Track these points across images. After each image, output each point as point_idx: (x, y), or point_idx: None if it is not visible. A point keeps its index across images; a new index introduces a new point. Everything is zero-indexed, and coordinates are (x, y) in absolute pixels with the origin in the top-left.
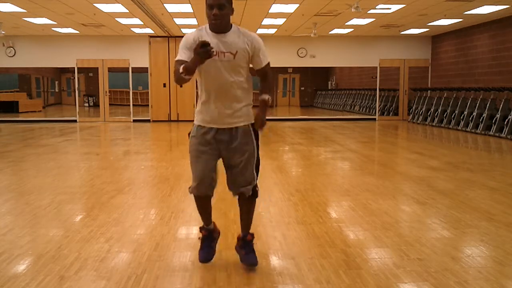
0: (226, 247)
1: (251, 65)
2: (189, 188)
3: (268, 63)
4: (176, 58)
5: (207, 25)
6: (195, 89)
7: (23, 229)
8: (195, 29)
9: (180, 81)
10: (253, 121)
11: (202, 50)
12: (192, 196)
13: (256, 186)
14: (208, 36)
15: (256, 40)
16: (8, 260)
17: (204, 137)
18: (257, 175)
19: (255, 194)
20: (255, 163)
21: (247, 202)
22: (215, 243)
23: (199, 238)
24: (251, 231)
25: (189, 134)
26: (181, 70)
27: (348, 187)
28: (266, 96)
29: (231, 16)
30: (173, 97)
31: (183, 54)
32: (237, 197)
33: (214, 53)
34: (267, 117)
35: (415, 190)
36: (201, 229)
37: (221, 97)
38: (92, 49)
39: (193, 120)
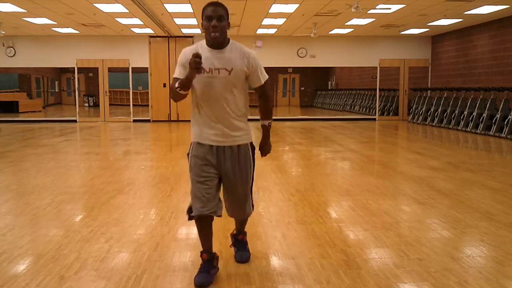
0: (226, 247)
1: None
2: (188, 211)
3: (266, 81)
4: (173, 76)
5: (203, 41)
6: None
7: (23, 229)
8: (192, 45)
9: (176, 97)
10: (251, 140)
11: (193, 60)
12: (189, 219)
13: (252, 205)
14: (204, 52)
15: (253, 57)
16: (8, 260)
17: (203, 154)
18: (252, 197)
19: (248, 217)
20: (251, 184)
21: (241, 220)
22: (215, 270)
23: (200, 265)
24: (245, 229)
25: (188, 154)
26: (177, 85)
27: (348, 187)
28: (266, 122)
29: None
30: None
31: (179, 72)
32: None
33: (202, 70)
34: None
35: (415, 190)
36: (202, 253)
37: (217, 114)
38: (92, 49)
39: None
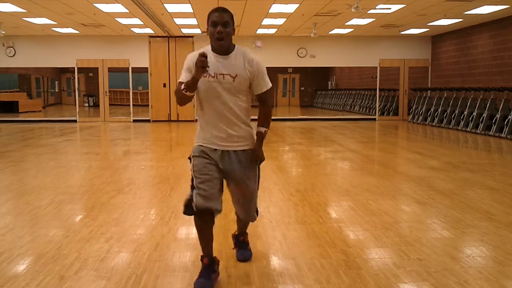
0: (226, 247)
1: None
2: (186, 202)
3: (269, 89)
4: (179, 80)
5: (209, 47)
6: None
7: (23, 229)
8: (198, 50)
9: (182, 99)
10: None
11: (199, 59)
12: (188, 215)
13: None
14: (209, 57)
15: (257, 64)
16: (8, 260)
17: (207, 154)
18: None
19: (254, 220)
20: (257, 188)
21: (246, 221)
22: (216, 275)
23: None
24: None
25: (189, 157)
26: (182, 86)
27: (348, 187)
28: (263, 129)
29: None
30: (173, 97)
31: (184, 77)
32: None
33: (208, 69)
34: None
35: (415, 190)
36: (202, 257)
37: (221, 120)
38: (92, 49)
39: (193, 120)
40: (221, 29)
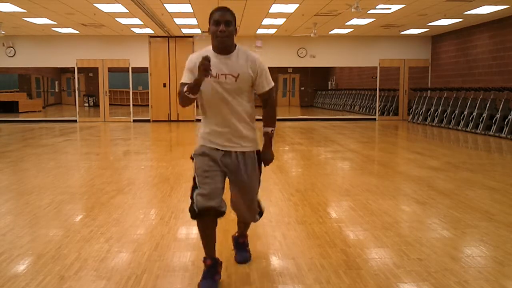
0: (226, 247)
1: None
2: (191, 206)
3: (272, 88)
4: (181, 81)
5: (210, 47)
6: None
7: (23, 229)
8: (199, 51)
9: (185, 101)
10: (258, 148)
11: (202, 62)
12: (194, 219)
13: (261, 208)
14: (211, 57)
15: (259, 63)
16: (8, 260)
17: (210, 154)
18: (259, 202)
19: (256, 221)
20: (257, 191)
21: (247, 223)
22: (219, 277)
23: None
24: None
25: (191, 157)
26: (185, 89)
27: (348, 187)
28: (269, 129)
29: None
30: (173, 97)
31: (186, 77)
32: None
33: (210, 72)
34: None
35: (415, 190)
36: (205, 259)
37: (223, 120)
38: (92, 49)
39: (193, 120)
40: (224, 28)
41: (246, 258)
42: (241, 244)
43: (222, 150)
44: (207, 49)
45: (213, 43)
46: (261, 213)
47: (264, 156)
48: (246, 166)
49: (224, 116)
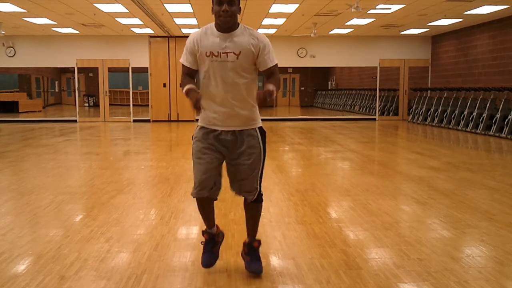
0: (226, 248)
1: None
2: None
3: (275, 65)
4: (181, 60)
5: (213, 24)
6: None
7: (23, 229)
8: (200, 28)
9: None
10: (260, 125)
11: (193, 104)
12: (194, 199)
13: (260, 191)
14: (213, 35)
15: (262, 39)
16: (8, 260)
17: (207, 138)
18: (261, 181)
19: (259, 199)
20: (261, 169)
21: (252, 206)
22: (218, 247)
23: (201, 243)
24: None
25: (193, 136)
26: (184, 91)
27: (348, 187)
28: (271, 86)
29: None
30: (173, 97)
31: (185, 58)
32: (239, 196)
33: (198, 107)
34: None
35: (415, 190)
36: (203, 232)
37: (224, 98)
38: (92, 49)
39: (193, 120)
40: (227, 8)
41: (258, 269)
42: (255, 250)
43: (220, 130)
44: (210, 26)
45: (216, 22)
46: (259, 197)
47: (265, 93)
48: (247, 142)
49: (224, 95)
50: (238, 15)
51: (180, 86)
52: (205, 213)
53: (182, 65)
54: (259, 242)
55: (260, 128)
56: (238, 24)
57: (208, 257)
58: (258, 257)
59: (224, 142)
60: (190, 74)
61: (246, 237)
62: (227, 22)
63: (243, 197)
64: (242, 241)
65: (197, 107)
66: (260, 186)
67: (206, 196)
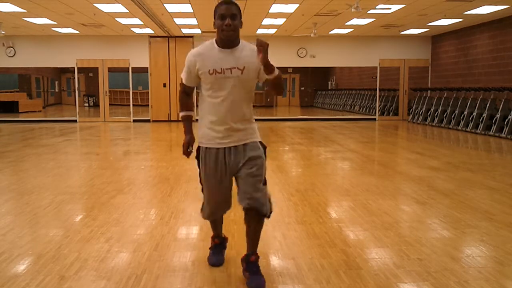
0: (228, 248)
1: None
2: (201, 212)
3: (279, 72)
4: (181, 75)
5: (214, 40)
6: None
7: (23, 229)
8: (200, 45)
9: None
10: (260, 139)
11: (184, 152)
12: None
13: (270, 207)
14: (215, 52)
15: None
16: (8, 260)
17: (215, 159)
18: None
19: (265, 213)
20: (263, 179)
21: (258, 220)
22: (225, 250)
23: (210, 248)
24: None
25: (197, 157)
26: (180, 116)
27: (348, 187)
28: (271, 76)
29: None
30: (173, 97)
31: (185, 78)
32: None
33: (187, 154)
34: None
35: (415, 190)
36: (213, 237)
37: (229, 114)
38: (92, 49)
39: (193, 121)
40: (230, 22)
41: (260, 284)
42: (253, 264)
43: (222, 148)
44: (211, 43)
45: (219, 37)
46: (266, 212)
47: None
48: (250, 154)
49: (229, 110)
50: (240, 29)
51: (180, 97)
52: (216, 226)
53: (181, 84)
54: (257, 256)
55: (261, 142)
56: (239, 40)
57: (217, 258)
58: (258, 270)
59: (230, 159)
60: (187, 92)
61: (244, 246)
62: (229, 36)
63: (245, 211)
64: (242, 241)
65: (186, 153)
66: (271, 203)
67: (220, 215)
